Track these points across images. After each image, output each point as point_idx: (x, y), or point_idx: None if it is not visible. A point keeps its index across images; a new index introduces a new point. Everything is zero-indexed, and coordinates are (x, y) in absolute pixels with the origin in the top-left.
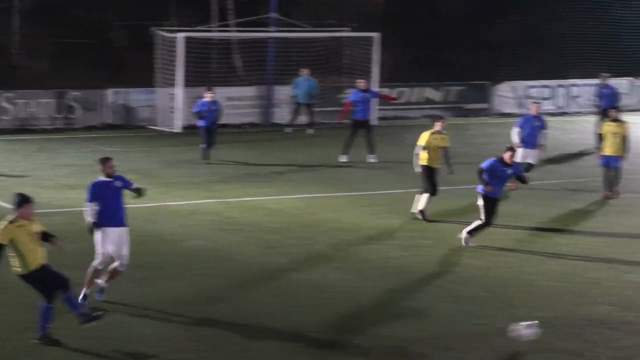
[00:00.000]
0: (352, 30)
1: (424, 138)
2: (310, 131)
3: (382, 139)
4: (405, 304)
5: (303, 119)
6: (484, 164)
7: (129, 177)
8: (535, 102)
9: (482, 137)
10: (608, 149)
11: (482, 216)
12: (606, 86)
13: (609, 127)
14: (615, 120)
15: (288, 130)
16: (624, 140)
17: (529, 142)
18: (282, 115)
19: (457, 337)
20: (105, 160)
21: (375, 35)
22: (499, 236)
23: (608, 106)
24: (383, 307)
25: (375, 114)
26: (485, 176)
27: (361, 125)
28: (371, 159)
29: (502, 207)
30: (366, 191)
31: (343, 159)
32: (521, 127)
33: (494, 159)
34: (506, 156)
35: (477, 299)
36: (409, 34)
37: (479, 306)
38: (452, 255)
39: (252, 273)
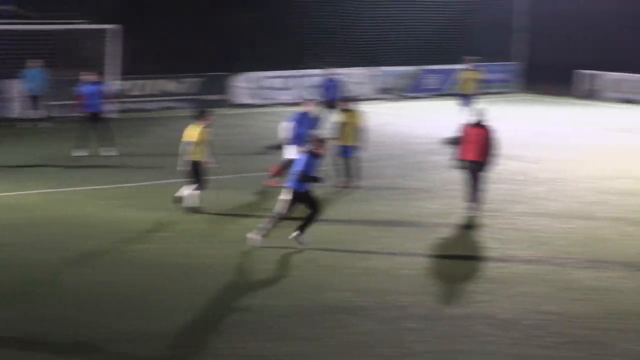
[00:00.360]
0: (93, 22)
1: (195, 132)
2: (46, 124)
3: (121, 131)
4: (150, 297)
5: (37, 112)
6: (303, 165)
7: None
8: (307, 99)
9: (222, 128)
10: (343, 139)
11: (280, 210)
12: (330, 79)
13: (342, 117)
14: (348, 110)
15: (24, 124)
16: (358, 130)
17: (298, 139)
18: (15, 109)
19: (194, 330)
20: None
21: (112, 27)
22: (234, 226)
23: (333, 97)
24: (130, 302)
25: (114, 106)
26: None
27: (93, 118)
28: (107, 151)
29: (236, 198)
30: (105, 184)
31: (79, 152)
32: (295, 123)
33: (307, 154)
34: (316, 150)
35: (213, 291)
36: (148, 26)
37: (215, 298)
38: (193, 246)
39: (19, 272)
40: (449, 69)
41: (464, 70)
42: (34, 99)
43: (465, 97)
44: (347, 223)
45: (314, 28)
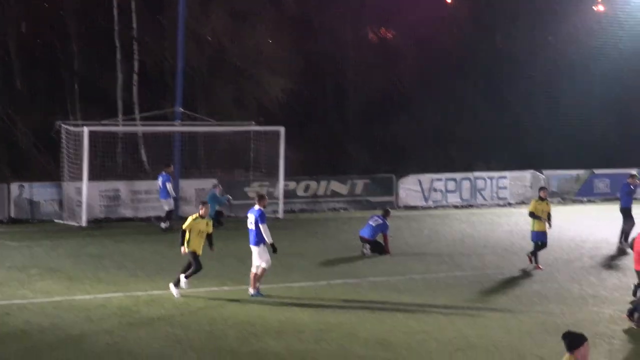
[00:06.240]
0: (261, 124)
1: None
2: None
3: (289, 231)
4: None
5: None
6: None
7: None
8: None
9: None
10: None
11: None
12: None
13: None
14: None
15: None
16: None
17: None
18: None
19: None
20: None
21: (281, 129)
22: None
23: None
24: None
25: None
26: None
27: None
28: None
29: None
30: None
31: None
32: None
33: None
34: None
35: None
36: (310, 129)
37: None
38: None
39: None
40: (617, 173)
41: None
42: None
43: None
44: (505, 329)
45: (482, 132)
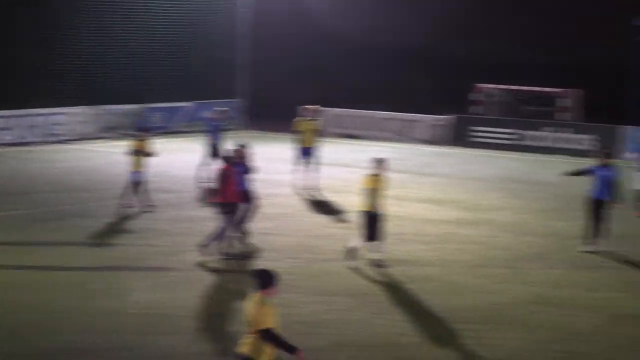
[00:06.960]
0: None
1: None
2: None
3: None
4: None
5: None
6: None
7: None
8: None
9: None
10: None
11: None
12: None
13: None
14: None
15: None
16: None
17: None
18: None
19: None
20: None
21: None
22: None
23: None
24: None
25: None
26: None
27: None
28: None
29: None
30: None
31: None
32: None
33: None
34: None
35: None
36: None
37: None
38: None
39: None
40: (173, 107)
41: (303, 120)
42: None
43: (306, 149)
44: (71, 265)
45: (34, 66)
